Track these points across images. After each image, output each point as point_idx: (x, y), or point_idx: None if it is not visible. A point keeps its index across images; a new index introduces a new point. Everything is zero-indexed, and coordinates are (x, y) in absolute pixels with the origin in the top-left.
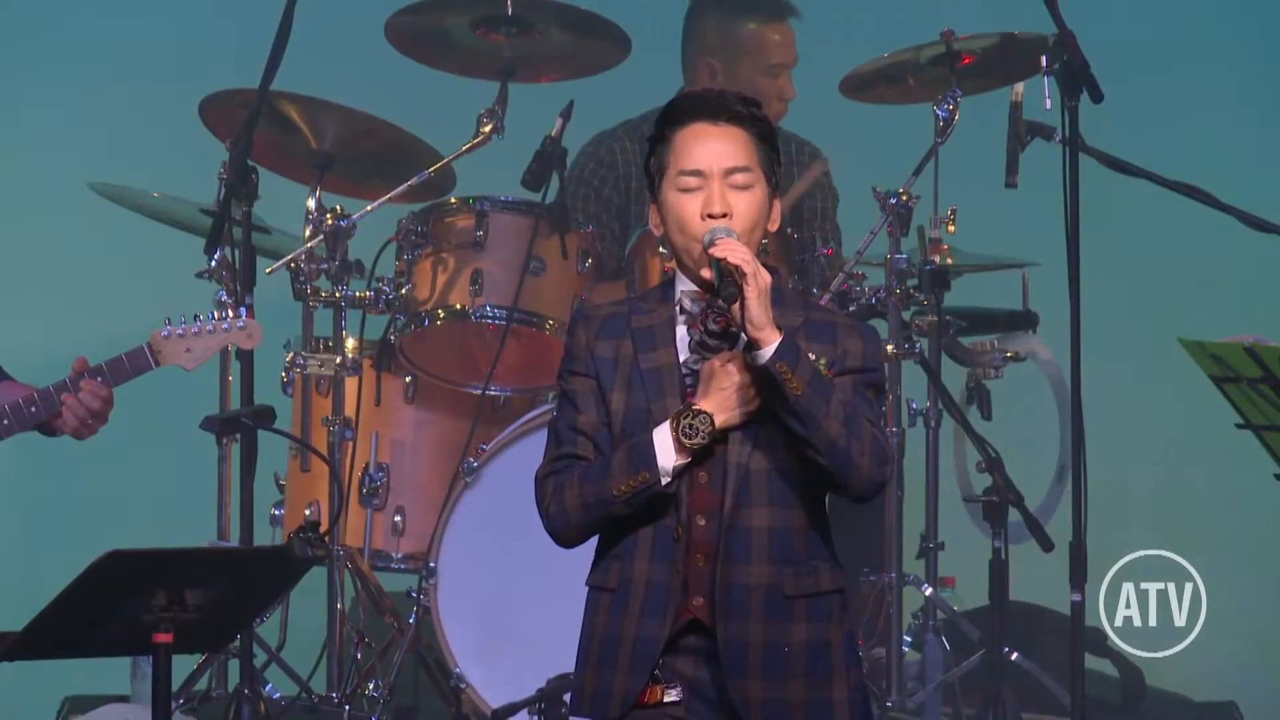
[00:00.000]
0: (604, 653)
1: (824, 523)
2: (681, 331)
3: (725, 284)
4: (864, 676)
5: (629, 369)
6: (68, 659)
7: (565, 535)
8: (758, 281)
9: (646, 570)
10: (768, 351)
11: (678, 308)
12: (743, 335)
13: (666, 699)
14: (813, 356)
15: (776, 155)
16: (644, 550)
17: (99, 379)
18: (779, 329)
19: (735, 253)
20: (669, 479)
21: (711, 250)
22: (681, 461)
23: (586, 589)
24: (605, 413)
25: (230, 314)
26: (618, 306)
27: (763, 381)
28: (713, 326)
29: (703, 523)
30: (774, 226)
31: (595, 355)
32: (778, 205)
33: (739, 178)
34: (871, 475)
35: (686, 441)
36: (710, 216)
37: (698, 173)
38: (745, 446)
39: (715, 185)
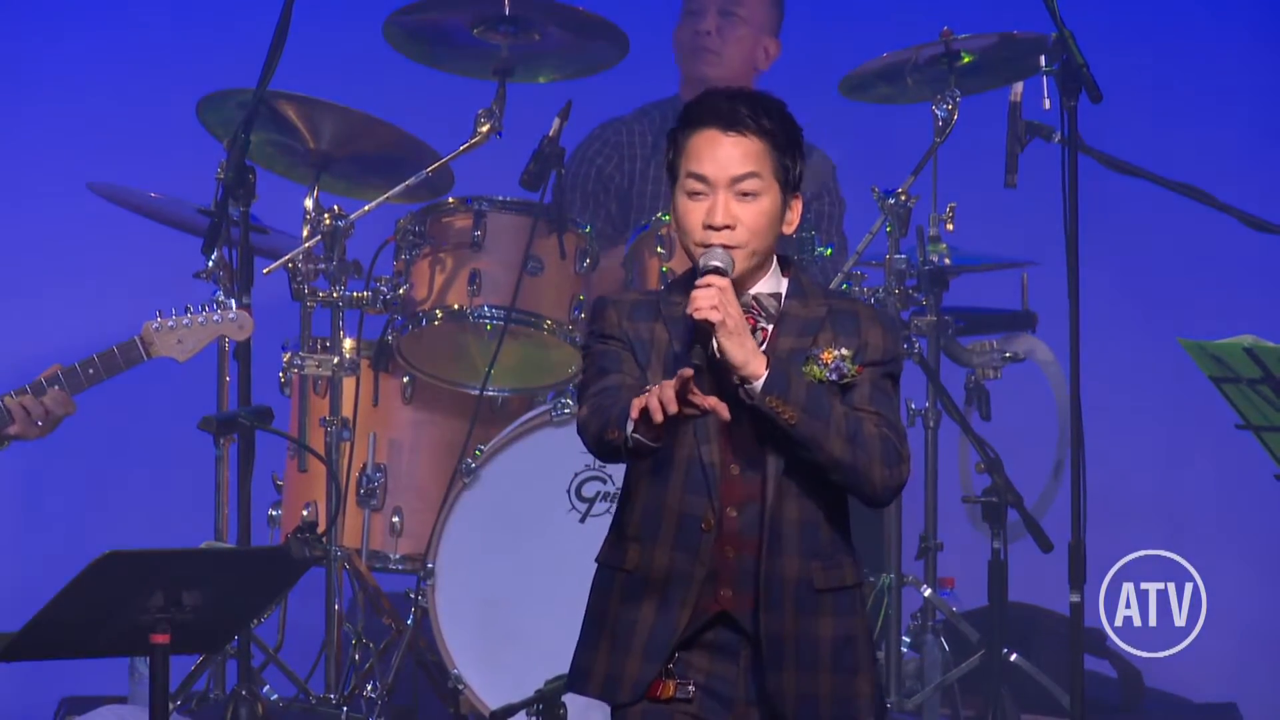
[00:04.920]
0: (617, 636)
1: (845, 516)
2: None
3: (694, 348)
4: (879, 671)
5: (665, 351)
6: (65, 659)
7: (590, 449)
8: (725, 324)
9: (669, 558)
10: (756, 387)
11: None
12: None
13: (679, 695)
14: (844, 351)
15: (795, 160)
16: (668, 537)
17: (57, 386)
18: (765, 354)
19: (704, 302)
20: (631, 444)
21: (688, 310)
22: (643, 434)
23: (595, 565)
24: (642, 374)
25: (220, 306)
26: (647, 295)
27: (757, 414)
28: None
29: (734, 514)
30: (790, 230)
31: (629, 334)
32: (797, 206)
33: (746, 185)
34: (885, 482)
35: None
36: (711, 228)
37: (703, 178)
38: (781, 440)
39: (720, 195)
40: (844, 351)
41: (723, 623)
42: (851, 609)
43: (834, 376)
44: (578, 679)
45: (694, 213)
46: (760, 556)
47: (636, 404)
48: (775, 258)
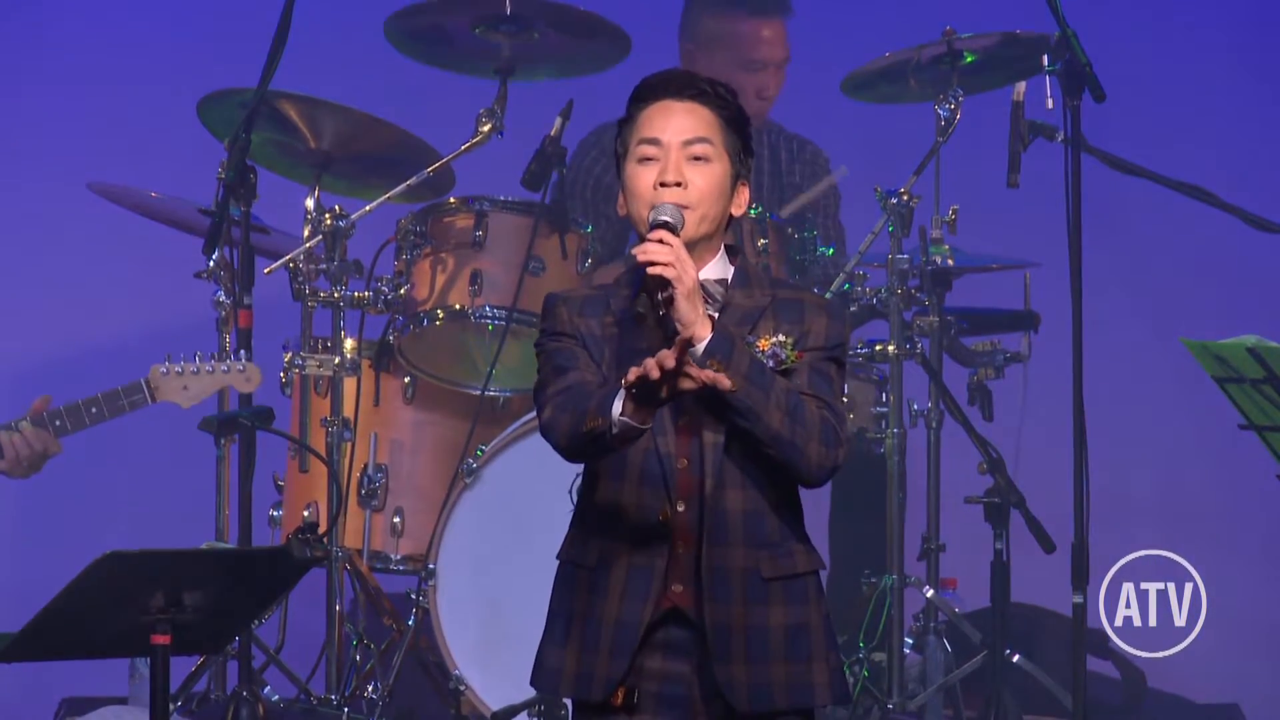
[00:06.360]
0: (585, 634)
1: (796, 504)
2: None
3: (640, 297)
4: (841, 658)
5: (617, 345)
6: (65, 660)
7: (561, 447)
8: (683, 282)
9: (628, 552)
10: (699, 350)
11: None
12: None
13: (627, 702)
14: (782, 337)
15: (745, 141)
16: (626, 531)
17: (55, 424)
18: (713, 321)
19: (659, 255)
20: (618, 429)
21: (636, 254)
22: (631, 416)
23: (557, 561)
24: (598, 370)
25: (228, 356)
26: (595, 290)
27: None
28: (639, 310)
29: (683, 509)
30: (738, 211)
31: (580, 330)
32: (744, 191)
33: (698, 148)
34: (820, 461)
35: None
36: (663, 185)
37: (655, 141)
38: (719, 427)
39: (672, 155)
40: (781, 338)
41: (675, 619)
42: (804, 597)
43: (771, 363)
44: (548, 678)
45: (645, 175)
46: (699, 549)
47: (634, 373)
48: (723, 246)
